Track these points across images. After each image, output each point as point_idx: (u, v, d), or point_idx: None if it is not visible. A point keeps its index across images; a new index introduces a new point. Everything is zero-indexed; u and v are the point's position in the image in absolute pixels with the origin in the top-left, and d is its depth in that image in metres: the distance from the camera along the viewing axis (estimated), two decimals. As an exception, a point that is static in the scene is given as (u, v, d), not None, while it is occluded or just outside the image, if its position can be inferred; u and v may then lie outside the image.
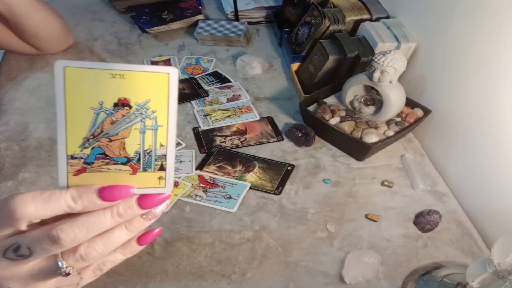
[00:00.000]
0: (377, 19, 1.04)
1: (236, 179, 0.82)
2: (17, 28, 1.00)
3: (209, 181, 0.81)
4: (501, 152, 0.72)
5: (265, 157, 0.87)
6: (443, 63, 0.86)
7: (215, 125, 0.94)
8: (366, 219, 0.77)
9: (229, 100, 1.01)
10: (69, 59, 0.34)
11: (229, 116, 0.96)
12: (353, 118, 0.89)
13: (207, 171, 0.83)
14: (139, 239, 0.41)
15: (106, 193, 0.36)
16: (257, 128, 0.94)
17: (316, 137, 0.91)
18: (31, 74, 1.06)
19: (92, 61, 1.10)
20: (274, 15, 1.26)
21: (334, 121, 0.87)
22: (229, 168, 0.84)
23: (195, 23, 1.25)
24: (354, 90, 0.90)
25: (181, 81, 1.06)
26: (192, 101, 1.00)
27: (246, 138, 0.91)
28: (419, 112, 0.89)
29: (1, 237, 0.36)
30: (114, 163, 0.37)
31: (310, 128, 0.90)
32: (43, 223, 0.37)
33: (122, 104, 0.35)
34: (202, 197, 0.78)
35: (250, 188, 0.80)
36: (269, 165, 0.85)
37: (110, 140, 0.37)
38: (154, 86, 0.35)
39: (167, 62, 1.12)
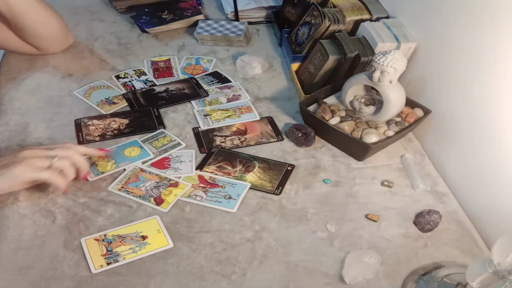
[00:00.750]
0: (377, 19, 1.04)
1: (236, 179, 0.82)
2: (17, 28, 1.00)
3: (209, 181, 0.81)
4: (501, 152, 0.72)
5: (265, 157, 0.87)
6: (443, 63, 0.86)
7: (215, 125, 0.94)
8: (366, 219, 0.77)
9: (229, 100, 1.01)
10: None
11: (229, 116, 0.96)
12: (353, 118, 0.89)
13: (207, 171, 0.83)
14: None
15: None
16: (257, 128, 0.94)
17: (316, 137, 0.91)
18: (31, 74, 1.05)
19: (92, 61, 1.11)
20: (274, 15, 1.26)
21: (334, 121, 0.87)
22: (229, 168, 0.84)
23: (195, 23, 1.24)
24: (354, 90, 0.90)
25: (181, 81, 1.06)
26: (192, 101, 1.00)
27: (246, 138, 0.91)
28: (419, 112, 0.89)
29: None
30: None
31: (310, 128, 0.90)
32: None
33: None
34: (202, 197, 0.78)
35: (250, 188, 0.80)
36: (269, 165, 0.85)
37: None
38: None
39: (167, 62, 1.12)
